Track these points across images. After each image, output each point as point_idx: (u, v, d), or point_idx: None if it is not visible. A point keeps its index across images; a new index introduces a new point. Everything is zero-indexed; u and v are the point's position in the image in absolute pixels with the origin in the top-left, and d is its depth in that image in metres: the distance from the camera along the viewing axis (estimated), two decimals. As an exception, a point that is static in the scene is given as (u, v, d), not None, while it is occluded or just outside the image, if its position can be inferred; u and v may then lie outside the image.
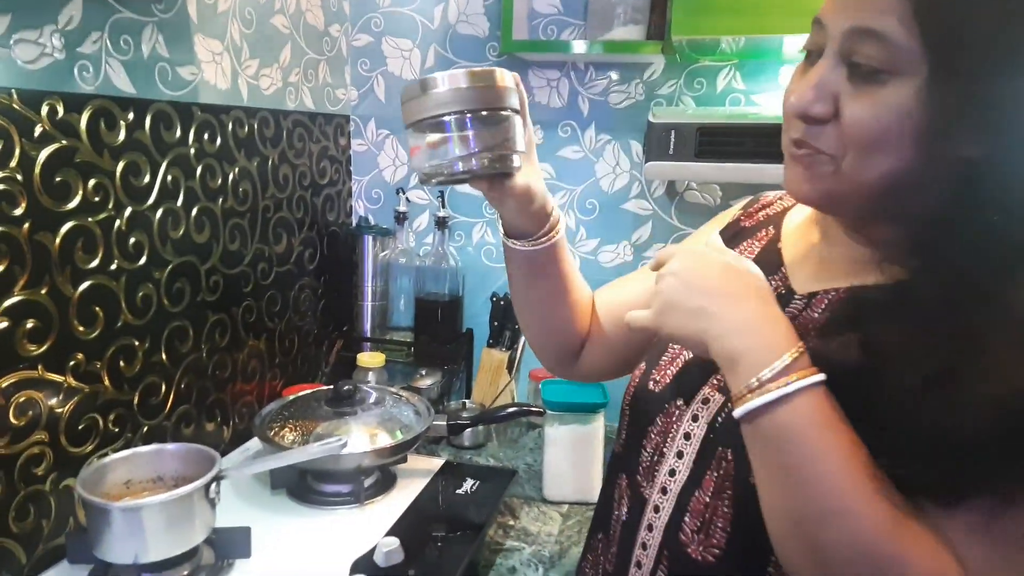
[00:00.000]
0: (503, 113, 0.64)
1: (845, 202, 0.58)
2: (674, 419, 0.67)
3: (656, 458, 0.68)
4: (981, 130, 0.51)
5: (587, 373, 0.87)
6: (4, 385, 0.86)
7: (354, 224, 1.67)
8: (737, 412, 0.55)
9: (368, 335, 1.63)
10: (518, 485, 1.32)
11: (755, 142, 1.26)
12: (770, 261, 0.69)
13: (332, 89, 1.57)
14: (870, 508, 0.50)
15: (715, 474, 0.62)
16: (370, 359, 1.47)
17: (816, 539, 0.52)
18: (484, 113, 0.63)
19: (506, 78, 0.65)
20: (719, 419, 0.64)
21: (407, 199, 1.64)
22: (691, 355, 0.69)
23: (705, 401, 0.66)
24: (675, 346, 0.72)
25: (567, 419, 1.26)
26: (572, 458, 1.27)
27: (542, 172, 0.79)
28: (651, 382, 0.71)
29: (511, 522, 1.20)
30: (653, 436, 0.69)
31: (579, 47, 1.41)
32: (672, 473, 0.66)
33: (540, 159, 1.57)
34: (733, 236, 0.75)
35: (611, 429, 1.29)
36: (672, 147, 1.33)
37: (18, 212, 0.86)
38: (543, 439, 1.29)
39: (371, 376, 1.48)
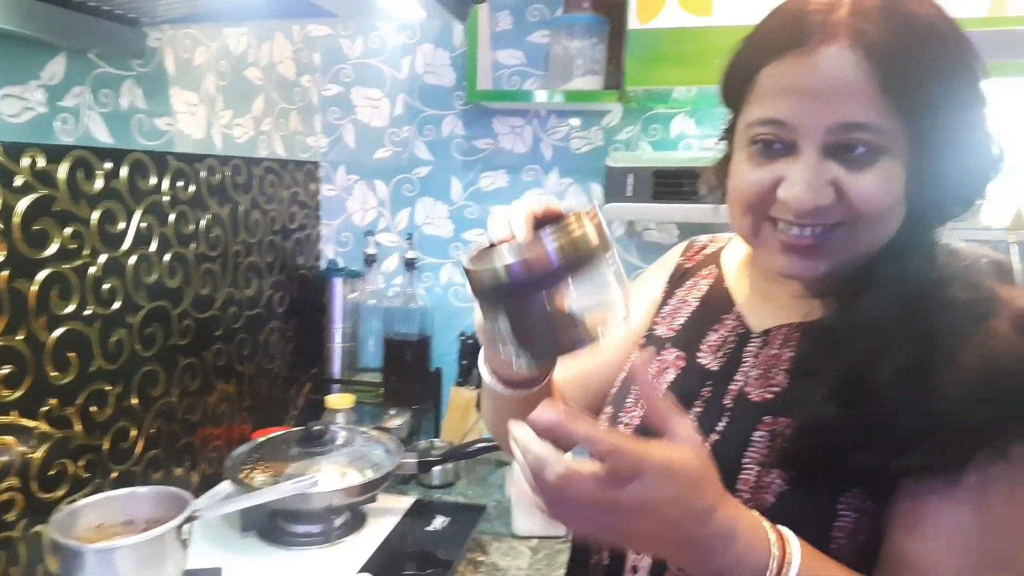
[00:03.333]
0: (598, 267, 0.52)
1: (845, 266, 0.61)
2: None
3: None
4: (931, 176, 0.59)
5: None
6: (-23, 431, 0.87)
7: (323, 267, 1.70)
8: None
9: (337, 376, 1.65)
10: (487, 521, 1.34)
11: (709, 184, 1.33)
12: (721, 299, 0.74)
13: (303, 137, 1.62)
14: None
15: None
16: (339, 400, 1.49)
17: None
18: (578, 277, 0.51)
19: (588, 221, 0.53)
20: None
21: (376, 242, 1.68)
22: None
23: None
24: (637, 388, 0.72)
25: (535, 454, 1.29)
26: (540, 493, 1.29)
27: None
28: (620, 425, 0.72)
29: (481, 558, 1.22)
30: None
31: (541, 96, 1.48)
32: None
33: (506, 201, 1.63)
34: (680, 277, 0.80)
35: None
36: (630, 189, 1.40)
37: (-4, 260, 0.88)
38: (512, 475, 1.32)
39: (340, 417, 1.49)
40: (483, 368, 0.71)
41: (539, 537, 1.29)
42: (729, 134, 0.68)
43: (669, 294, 0.79)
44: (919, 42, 0.56)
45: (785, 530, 0.54)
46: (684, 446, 0.50)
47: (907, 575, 0.56)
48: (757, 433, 0.63)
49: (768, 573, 0.51)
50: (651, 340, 0.77)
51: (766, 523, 0.54)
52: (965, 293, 0.59)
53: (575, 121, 1.58)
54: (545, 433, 0.48)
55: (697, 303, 0.76)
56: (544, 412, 0.48)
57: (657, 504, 0.48)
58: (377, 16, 1.45)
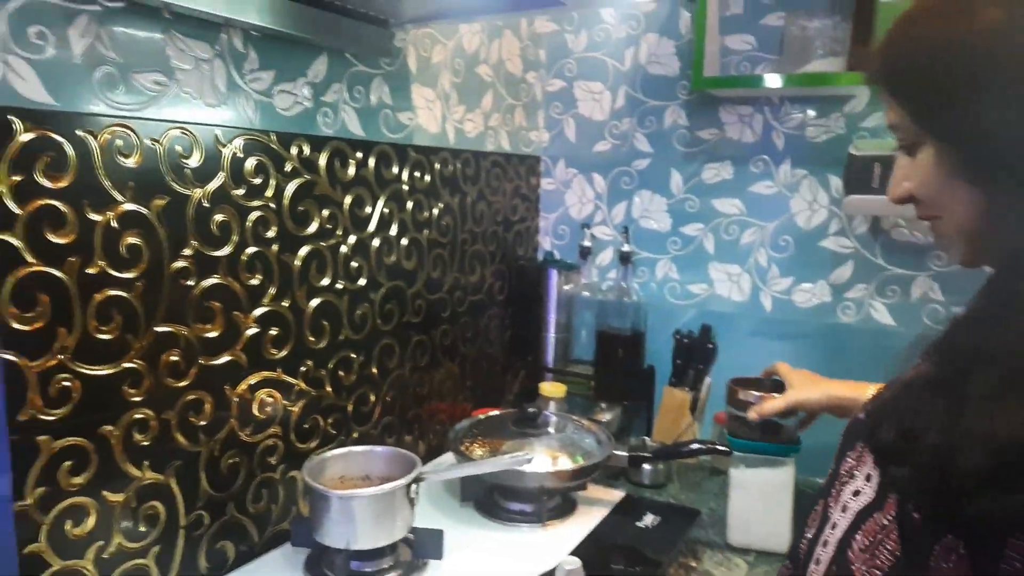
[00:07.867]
0: None
1: (978, 254, 0.64)
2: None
3: (847, 480, 0.70)
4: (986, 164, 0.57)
5: None
6: (252, 382, 1.01)
7: (540, 259, 1.74)
8: None
9: (551, 366, 1.68)
10: (700, 528, 1.27)
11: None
12: None
13: (526, 131, 1.68)
14: None
15: (894, 499, 0.64)
16: (552, 389, 1.51)
17: None
18: None
19: None
20: None
21: (592, 235, 1.69)
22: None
23: None
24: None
25: (754, 462, 1.21)
26: (759, 503, 1.21)
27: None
28: (863, 412, 0.73)
29: (693, 563, 1.16)
30: (850, 460, 0.71)
31: (772, 81, 1.39)
32: (856, 493, 0.67)
33: (730, 195, 1.56)
34: None
35: (801, 481, 1.22)
36: (876, 180, 1.26)
37: (270, 235, 1.02)
38: (728, 483, 1.24)
39: (552, 406, 1.51)
40: None
41: (756, 551, 1.20)
42: None
43: None
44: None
45: None
46: None
47: None
48: None
49: None
50: None
51: None
52: None
53: (812, 110, 1.45)
54: None
55: None
56: None
57: None
58: (604, 3, 1.45)
